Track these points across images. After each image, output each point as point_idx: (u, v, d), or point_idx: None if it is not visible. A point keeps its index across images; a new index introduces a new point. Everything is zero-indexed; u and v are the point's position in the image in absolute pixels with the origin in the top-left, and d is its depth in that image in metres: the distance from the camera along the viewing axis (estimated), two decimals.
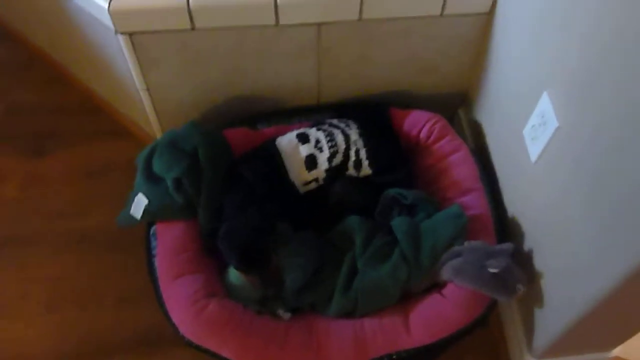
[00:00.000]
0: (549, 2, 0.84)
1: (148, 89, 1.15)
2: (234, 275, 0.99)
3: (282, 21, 1.03)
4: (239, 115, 1.22)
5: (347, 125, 1.11)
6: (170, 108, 1.20)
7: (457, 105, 1.27)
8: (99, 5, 1.00)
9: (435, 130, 1.11)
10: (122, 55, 1.09)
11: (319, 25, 1.06)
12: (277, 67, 1.14)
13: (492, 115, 1.13)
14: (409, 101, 1.22)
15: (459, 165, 1.08)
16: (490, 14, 1.06)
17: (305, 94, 1.21)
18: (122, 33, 1.03)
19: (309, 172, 1.06)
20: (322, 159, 1.05)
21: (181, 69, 1.11)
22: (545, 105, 0.86)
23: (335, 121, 1.13)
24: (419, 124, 1.13)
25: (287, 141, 1.07)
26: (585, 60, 0.75)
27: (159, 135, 1.26)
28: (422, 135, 1.12)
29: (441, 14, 1.05)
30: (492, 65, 1.09)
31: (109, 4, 0.98)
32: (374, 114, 1.16)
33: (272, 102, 1.22)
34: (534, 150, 0.90)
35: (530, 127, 0.91)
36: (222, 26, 1.04)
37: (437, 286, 0.95)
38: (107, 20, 1.01)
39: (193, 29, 1.03)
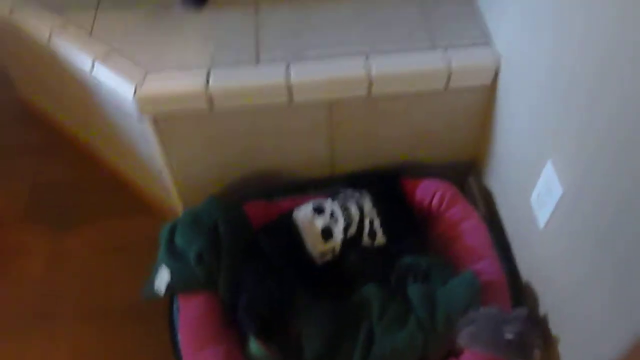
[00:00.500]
0: (549, 75, 0.89)
1: (170, 168, 1.21)
2: (254, 346, 1.01)
3: (295, 100, 1.10)
4: (257, 189, 1.27)
5: (361, 196, 1.15)
6: (191, 184, 1.26)
7: (467, 173, 1.31)
8: (124, 95, 1.08)
9: (446, 199, 1.15)
10: (145, 137, 1.16)
11: (330, 102, 1.12)
12: (292, 143, 1.20)
13: (501, 182, 1.16)
14: (420, 170, 1.26)
15: (471, 233, 1.11)
16: (492, 86, 1.11)
17: (319, 166, 1.27)
18: (145, 118, 1.10)
19: (325, 243, 1.09)
20: (338, 230, 1.09)
21: (201, 148, 1.18)
22: (549, 173, 0.90)
23: (349, 191, 1.18)
24: (430, 192, 1.17)
25: (303, 214, 1.11)
26: (586, 130, 0.79)
27: (181, 210, 1.31)
28: (434, 203, 1.16)
29: (445, 89, 1.11)
30: (498, 135, 1.14)
31: (134, 94, 1.06)
32: (386, 184, 1.20)
33: (288, 175, 1.27)
34: (542, 216, 0.93)
35: (537, 195, 0.95)
36: (239, 107, 1.10)
37: (453, 353, 0.96)
38: (132, 108, 1.08)
39: (211, 110, 1.09)
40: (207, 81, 1.06)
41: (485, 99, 1.15)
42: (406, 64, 1.09)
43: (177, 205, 1.32)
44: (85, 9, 1.22)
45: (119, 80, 1.09)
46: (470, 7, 1.18)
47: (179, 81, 1.08)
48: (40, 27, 1.20)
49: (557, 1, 0.84)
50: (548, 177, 0.90)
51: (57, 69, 1.23)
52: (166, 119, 1.11)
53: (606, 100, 0.73)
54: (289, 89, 1.07)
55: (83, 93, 1.24)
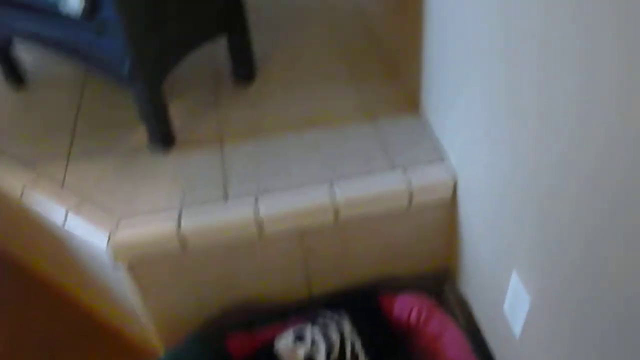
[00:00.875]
0: (503, 190, 0.94)
1: (148, 310, 1.21)
2: None
3: (266, 232, 1.13)
4: (237, 319, 1.27)
5: (340, 317, 1.16)
6: (170, 323, 1.25)
7: (443, 282, 1.33)
8: (98, 245, 1.10)
9: (424, 313, 1.16)
10: (121, 283, 1.17)
11: (300, 231, 1.15)
12: (267, 272, 1.22)
13: (474, 292, 1.19)
14: (396, 283, 1.28)
15: (452, 345, 1.11)
16: (452, 200, 1.16)
17: (296, 291, 1.28)
18: (120, 265, 1.11)
19: None
20: (320, 357, 1.09)
21: (177, 287, 1.19)
22: (515, 283, 0.93)
23: (328, 314, 1.18)
24: (407, 308, 1.18)
25: (284, 344, 1.11)
26: (543, 236, 0.83)
27: (162, 349, 1.29)
28: (412, 318, 1.17)
29: (408, 206, 1.15)
30: (464, 246, 1.18)
31: (108, 242, 1.08)
32: (363, 303, 1.21)
33: (266, 303, 1.28)
34: (516, 326, 0.95)
35: (508, 304, 0.97)
36: (212, 244, 1.13)
37: None
38: (106, 257, 1.10)
39: (185, 250, 1.12)
40: (179, 223, 1.09)
41: (447, 212, 1.19)
42: (368, 188, 1.14)
43: (157, 345, 1.30)
44: (57, 160, 1.26)
45: (91, 230, 1.12)
46: (421, 124, 1.26)
47: (151, 225, 1.11)
48: (12, 182, 1.24)
49: (505, 118, 0.91)
50: (515, 287, 0.93)
51: (31, 222, 1.25)
52: (141, 263, 1.13)
53: (558, 212, 0.78)
54: (259, 222, 1.11)
55: (58, 244, 1.26)
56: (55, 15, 1.12)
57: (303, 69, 1.46)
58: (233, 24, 1.29)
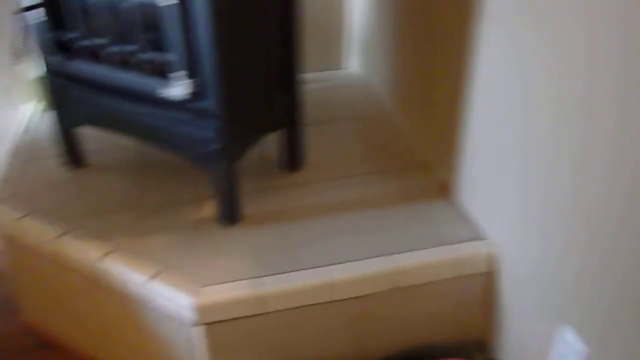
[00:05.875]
0: (544, 251, 1.13)
1: None
2: None
3: (333, 297, 1.26)
4: None
5: None
6: None
7: (479, 349, 1.47)
8: (179, 309, 1.19)
9: None
10: (192, 348, 1.25)
11: (357, 298, 1.29)
12: (333, 337, 1.33)
13: (514, 356, 1.34)
14: (434, 351, 1.41)
15: None
16: (492, 274, 1.34)
17: (343, 355, 1.39)
18: (197, 329, 1.20)
19: None
20: None
21: (250, 351, 1.28)
22: (567, 338, 1.09)
23: None
24: None
25: None
26: (600, 293, 1.00)
27: None
28: None
29: (450, 279, 1.32)
30: (503, 314, 1.34)
31: (190, 306, 1.18)
32: None
33: None
34: None
35: None
36: (287, 308, 1.24)
37: None
38: (186, 320, 1.19)
39: (260, 315, 1.23)
40: (257, 288, 1.21)
41: (486, 285, 1.36)
42: (415, 261, 1.30)
43: None
44: (128, 234, 1.36)
45: (174, 295, 1.21)
46: (457, 207, 1.45)
47: (231, 290, 1.21)
48: (86, 254, 1.32)
49: (544, 194, 1.11)
50: (567, 341, 1.09)
51: (105, 292, 1.33)
52: (218, 328, 1.22)
53: (615, 267, 0.96)
54: (330, 288, 1.24)
55: (124, 312, 1.33)
56: (148, 98, 1.28)
57: (340, 160, 1.65)
58: (294, 118, 1.49)
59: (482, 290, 1.37)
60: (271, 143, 1.54)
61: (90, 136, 1.61)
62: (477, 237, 1.37)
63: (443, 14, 1.44)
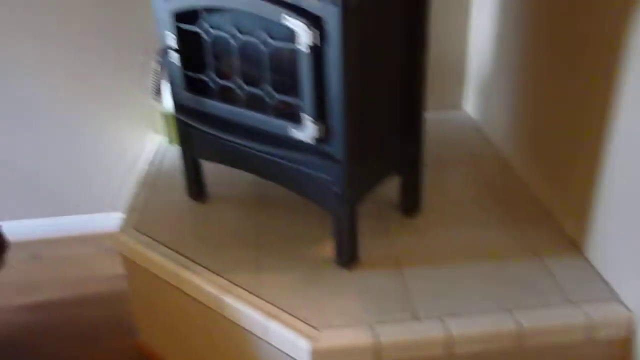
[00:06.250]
0: None
1: None
2: None
3: (454, 352, 1.20)
4: None
5: None
6: None
7: None
8: (296, 353, 1.18)
9: None
10: None
11: (479, 355, 1.22)
12: None
13: None
14: None
15: None
16: (629, 337, 1.23)
17: None
18: None
19: None
20: None
21: None
22: None
23: None
24: None
25: None
26: None
27: None
28: None
29: (583, 341, 1.22)
30: None
31: (307, 350, 1.16)
32: None
33: None
34: None
35: None
36: (407, 359, 1.20)
37: None
38: (300, 357, 1.18)
39: None
40: (372, 336, 1.18)
41: (622, 348, 1.25)
42: (546, 319, 1.22)
43: None
44: (246, 271, 1.38)
45: (291, 339, 1.20)
46: (586, 263, 1.36)
47: (347, 338, 1.19)
48: (206, 290, 1.35)
49: None
50: None
51: (222, 329, 1.35)
52: None
53: None
54: (449, 343, 1.19)
55: (238, 347, 1.34)
56: (274, 138, 1.31)
57: (457, 205, 1.60)
58: (415, 161, 1.46)
59: (619, 357, 1.26)
60: (387, 184, 1.52)
61: (212, 169, 1.67)
62: (613, 298, 1.27)
63: (579, 53, 1.38)
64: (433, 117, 2.07)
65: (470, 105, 2.14)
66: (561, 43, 1.45)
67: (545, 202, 1.59)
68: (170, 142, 2.01)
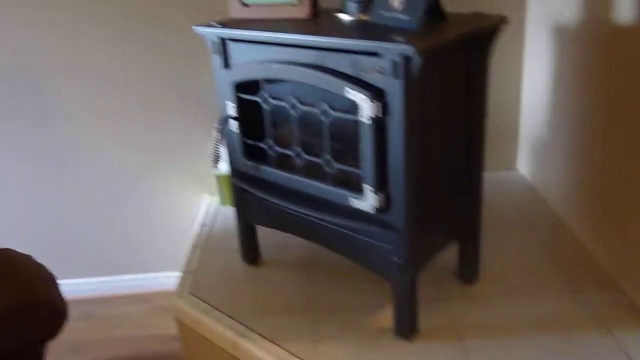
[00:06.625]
0: None
1: None
2: None
3: None
4: None
5: None
6: None
7: None
8: None
9: None
10: None
11: None
12: None
13: None
14: None
15: None
16: None
17: None
18: None
19: None
20: None
21: None
22: None
23: None
24: None
25: None
26: None
27: None
28: None
29: None
30: None
31: None
32: None
33: None
34: None
35: None
36: None
37: None
38: None
39: None
40: None
41: None
42: None
43: None
44: (303, 340, 1.36)
45: None
46: None
47: None
48: (262, 355, 1.33)
49: None
50: None
51: None
52: None
53: None
54: None
55: None
56: (332, 206, 1.30)
57: (515, 273, 1.56)
58: (472, 230, 1.44)
59: None
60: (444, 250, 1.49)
61: (265, 231, 1.67)
62: None
63: (638, 111, 1.35)
64: (486, 177, 2.04)
65: (524, 165, 2.11)
66: (619, 101, 1.42)
67: (608, 267, 1.53)
68: (222, 203, 2.03)
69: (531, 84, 1.98)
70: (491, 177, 2.07)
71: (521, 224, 1.79)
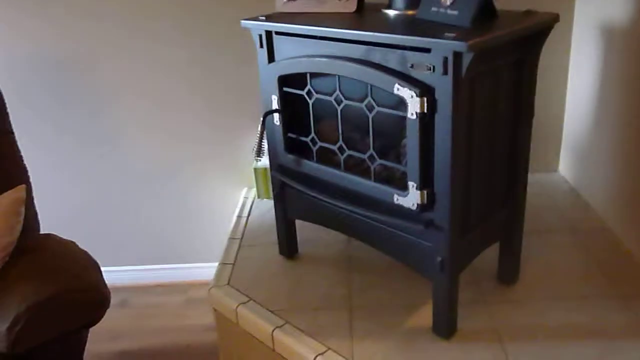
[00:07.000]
0: None
1: None
2: None
3: None
4: None
5: None
6: None
7: None
8: None
9: None
10: None
11: None
12: None
13: None
14: None
15: None
16: None
17: None
18: None
19: None
20: None
21: None
22: None
23: None
24: None
25: None
26: None
27: None
28: None
29: None
30: None
31: None
32: None
33: None
34: None
35: None
36: None
37: None
38: None
39: None
40: None
41: None
42: None
43: None
44: (341, 335, 1.36)
45: None
46: None
47: None
48: (302, 353, 1.33)
49: None
50: None
51: None
52: None
53: None
54: None
55: None
56: (374, 203, 1.30)
57: (556, 277, 1.53)
58: (513, 231, 1.42)
59: None
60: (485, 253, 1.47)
61: (303, 226, 1.67)
62: None
63: None
64: (528, 180, 2.01)
65: (566, 167, 2.07)
66: None
67: None
68: (260, 196, 2.04)
69: (576, 85, 1.94)
70: (532, 179, 2.02)
71: (563, 228, 1.76)
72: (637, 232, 1.59)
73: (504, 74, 1.23)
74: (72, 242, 1.55)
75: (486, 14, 1.17)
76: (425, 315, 1.39)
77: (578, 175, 1.98)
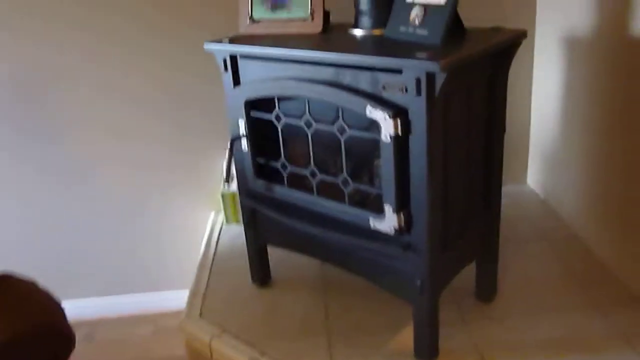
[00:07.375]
0: None
1: None
2: None
3: None
4: None
5: None
6: None
7: None
8: None
9: None
10: None
11: None
12: None
13: None
14: None
15: None
16: None
17: None
18: None
19: None
20: None
21: None
22: None
23: None
24: None
25: None
26: None
27: None
28: None
29: None
30: None
31: None
32: None
33: None
34: None
35: None
36: None
37: None
38: None
39: None
40: None
41: None
42: None
43: None
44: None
45: None
46: None
47: None
48: None
49: None
50: None
51: None
52: None
53: None
54: None
55: None
56: (348, 227, 1.27)
57: (533, 289, 1.52)
58: (490, 247, 1.41)
59: None
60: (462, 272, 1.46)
61: (273, 251, 1.62)
62: None
63: None
64: None
65: (534, 179, 2.08)
66: (632, 112, 1.40)
67: (627, 282, 1.50)
68: (228, 221, 1.99)
69: (540, 97, 1.96)
70: (502, 191, 2.04)
71: (536, 239, 1.76)
72: (608, 240, 1.60)
73: (475, 91, 1.22)
74: (32, 282, 1.46)
75: (455, 32, 1.16)
76: (406, 337, 1.36)
77: (546, 186, 2.00)
